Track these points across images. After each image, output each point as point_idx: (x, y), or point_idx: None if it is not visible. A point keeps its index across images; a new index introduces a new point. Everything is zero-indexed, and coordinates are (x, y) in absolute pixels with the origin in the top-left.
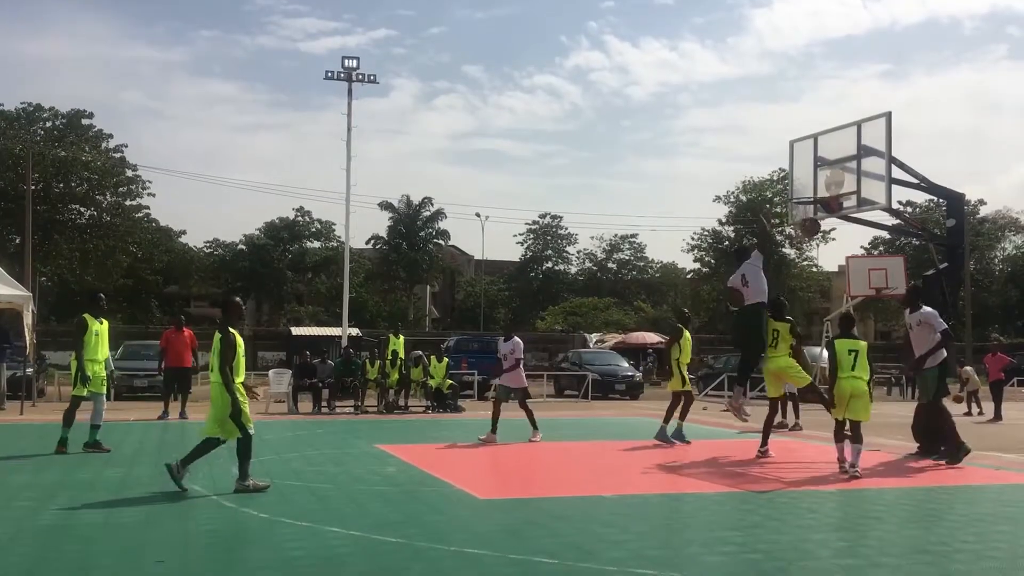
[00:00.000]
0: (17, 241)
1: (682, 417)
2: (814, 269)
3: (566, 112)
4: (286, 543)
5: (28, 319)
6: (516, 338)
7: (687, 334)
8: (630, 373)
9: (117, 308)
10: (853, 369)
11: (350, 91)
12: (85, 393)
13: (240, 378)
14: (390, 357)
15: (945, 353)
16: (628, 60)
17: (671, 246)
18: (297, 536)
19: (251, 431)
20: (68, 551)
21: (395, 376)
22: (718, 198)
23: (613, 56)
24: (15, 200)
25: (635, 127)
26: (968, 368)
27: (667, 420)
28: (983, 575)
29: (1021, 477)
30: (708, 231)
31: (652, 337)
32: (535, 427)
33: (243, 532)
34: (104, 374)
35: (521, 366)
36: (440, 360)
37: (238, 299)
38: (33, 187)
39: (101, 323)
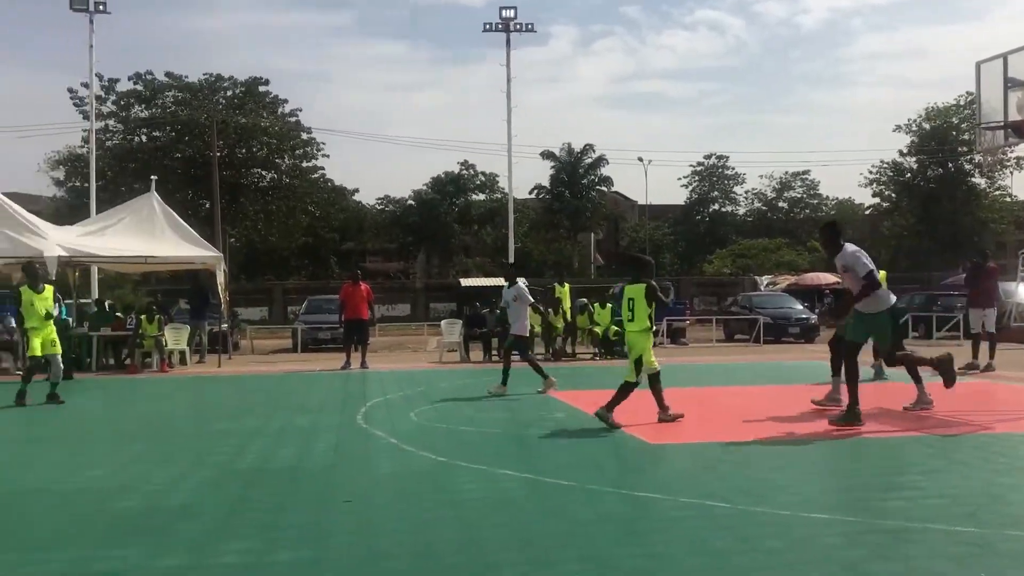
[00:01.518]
0: (207, 205)
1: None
2: (1007, 199)
3: (729, 48)
4: (462, 485)
5: (221, 278)
6: (520, 283)
7: None
8: (804, 315)
9: (299, 266)
10: None
11: (508, 41)
12: (40, 355)
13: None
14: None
15: (882, 295)
16: None
17: (846, 181)
18: (472, 478)
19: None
20: (266, 492)
21: (560, 324)
22: (898, 127)
23: None
24: (203, 167)
25: (804, 57)
26: None
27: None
28: None
29: None
30: (888, 163)
31: (828, 277)
32: (504, 381)
33: (421, 474)
34: (55, 336)
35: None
36: (604, 307)
37: (649, 257)
38: (218, 153)
39: (40, 291)
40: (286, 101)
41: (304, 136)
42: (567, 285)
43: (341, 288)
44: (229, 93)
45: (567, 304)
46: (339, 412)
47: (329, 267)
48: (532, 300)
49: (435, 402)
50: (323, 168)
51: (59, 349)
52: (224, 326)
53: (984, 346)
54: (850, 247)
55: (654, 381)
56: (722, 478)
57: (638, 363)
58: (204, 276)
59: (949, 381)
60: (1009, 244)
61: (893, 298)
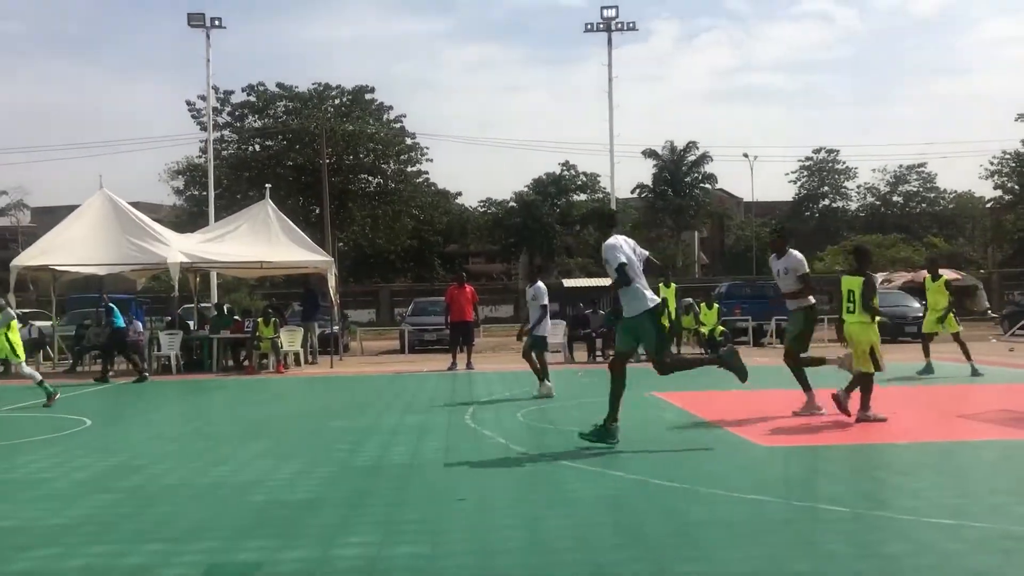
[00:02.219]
0: (317, 211)
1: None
2: None
3: (839, 38)
4: (572, 484)
5: (332, 281)
6: (540, 284)
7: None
8: (921, 314)
9: (404, 268)
10: None
11: (610, 41)
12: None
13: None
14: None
15: (640, 296)
16: None
17: (966, 174)
18: (582, 479)
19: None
20: (383, 488)
21: (665, 324)
22: (1021, 116)
23: None
24: (312, 174)
25: (919, 45)
26: None
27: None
28: None
29: None
30: (1010, 154)
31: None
32: (542, 379)
33: (531, 474)
34: (7, 346)
35: (545, 314)
36: (710, 307)
37: (869, 247)
38: (327, 160)
39: None
40: (391, 108)
41: (408, 141)
42: (673, 285)
43: (447, 291)
44: (337, 101)
45: (672, 305)
46: (448, 412)
47: (433, 269)
48: (545, 302)
49: (540, 404)
50: (427, 172)
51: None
52: (335, 328)
53: None
54: (796, 254)
55: (864, 380)
56: (837, 481)
57: (871, 354)
58: (314, 280)
59: (741, 376)
60: None
61: (651, 299)
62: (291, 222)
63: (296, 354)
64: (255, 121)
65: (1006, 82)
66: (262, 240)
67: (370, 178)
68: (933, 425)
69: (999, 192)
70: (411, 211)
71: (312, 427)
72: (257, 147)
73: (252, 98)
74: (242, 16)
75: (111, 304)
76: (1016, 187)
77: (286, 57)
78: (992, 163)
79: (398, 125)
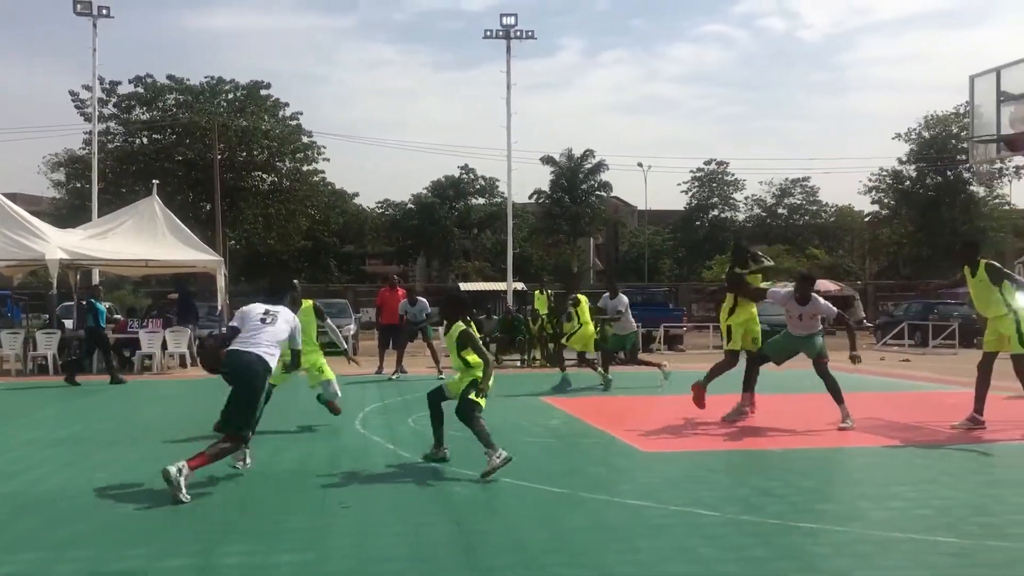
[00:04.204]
0: (207, 208)
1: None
2: (1006, 207)
3: (736, 60)
4: (456, 490)
5: (221, 282)
6: (621, 295)
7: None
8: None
9: (299, 268)
10: None
11: (508, 48)
12: None
13: None
14: (533, 313)
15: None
16: (797, 5)
17: (846, 189)
18: (467, 485)
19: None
20: (267, 495)
21: (536, 331)
22: (898, 135)
23: (782, 1)
24: (203, 170)
25: (806, 66)
26: None
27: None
28: None
29: None
30: (887, 171)
31: (827, 284)
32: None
33: (417, 479)
34: None
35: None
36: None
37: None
38: (219, 156)
39: None
40: (287, 104)
41: (305, 139)
42: (548, 292)
43: (378, 292)
44: (230, 96)
45: (544, 311)
46: (339, 417)
47: (329, 270)
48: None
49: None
50: (323, 172)
51: None
52: (224, 330)
53: None
54: (822, 300)
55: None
56: (712, 487)
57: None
58: (189, 281)
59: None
60: (1008, 252)
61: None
62: (179, 220)
63: (182, 356)
64: (143, 113)
65: (884, 101)
66: (148, 238)
67: (264, 176)
68: (805, 433)
69: (876, 207)
70: (307, 211)
71: (197, 432)
72: (144, 140)
73: (140, 90)
74: (131, 4)
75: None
76: (892, 202)
77: (177, 49)
78: (870, 179)
79: (294, 122)
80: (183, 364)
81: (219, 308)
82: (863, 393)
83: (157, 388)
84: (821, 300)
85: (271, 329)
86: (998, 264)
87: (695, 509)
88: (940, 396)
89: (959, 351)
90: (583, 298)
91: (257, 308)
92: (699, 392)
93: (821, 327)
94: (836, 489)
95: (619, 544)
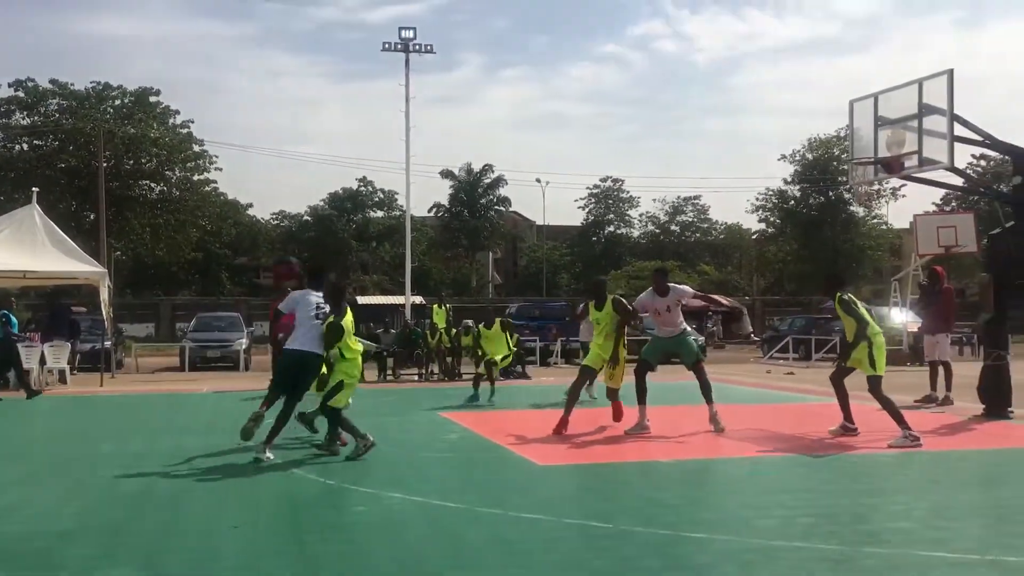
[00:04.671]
0: (92, 218)
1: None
2: (884, 227)
3: (633, 80)
4: (350, 508)
5: (104, 294)
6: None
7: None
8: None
9: (189, 281)
10: None
11: (407, 62)
12: None
13: None
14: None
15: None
16: (690, 28)
17: (735, 207)
18: (361, 501)
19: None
20: (150, 516)
21: (434, 345)
22: (783, 157)
23: (675, 24)
24: (88, 177)
25: (698, 88)
26: None
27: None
28: None
29: None
30: (773, 191)
31: (718, 300)
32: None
33: (310, 498)
34: None
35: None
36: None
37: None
38: (105, 164)
39: None
40: (178, 112)
41: (196, 148)
42: (446, 307)
43: (271, 305)
44: (118, 102)
45: (442, 325)
46: (229, 433)
47: (221, 282)
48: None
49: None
50: (215, 181)
51: None
52: (108, 343)
53: (941, 377)
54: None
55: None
56: (606, 499)
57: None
58: (70, 294)
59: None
60: (885, 270)
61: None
62: (60, 230)
63: (61, 372)
64: (23, 119)
65: (771, 123)
66: (26, 248)
67: (152, 185)
68: (694, 443)
69: (763, 225)
70: (197, 221)
71: (76, 451)
72: (25, 147)
73: (20, 94)
74: (12, 6)
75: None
76: (777, 221)
77: (62, 53)
78: (758, 198)
79: (185, 131)
80: (63, 380)
81: (103, 321)
82: (750, 405)
83: (36, 404)
84: (679, 286)
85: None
86: (847, 298)
87: (588, 521)
88: (822, 408)
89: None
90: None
91: (312, 299)
92: (562, 422)
93: (685, 325)
94: (723, 498)
95: (514, 559)
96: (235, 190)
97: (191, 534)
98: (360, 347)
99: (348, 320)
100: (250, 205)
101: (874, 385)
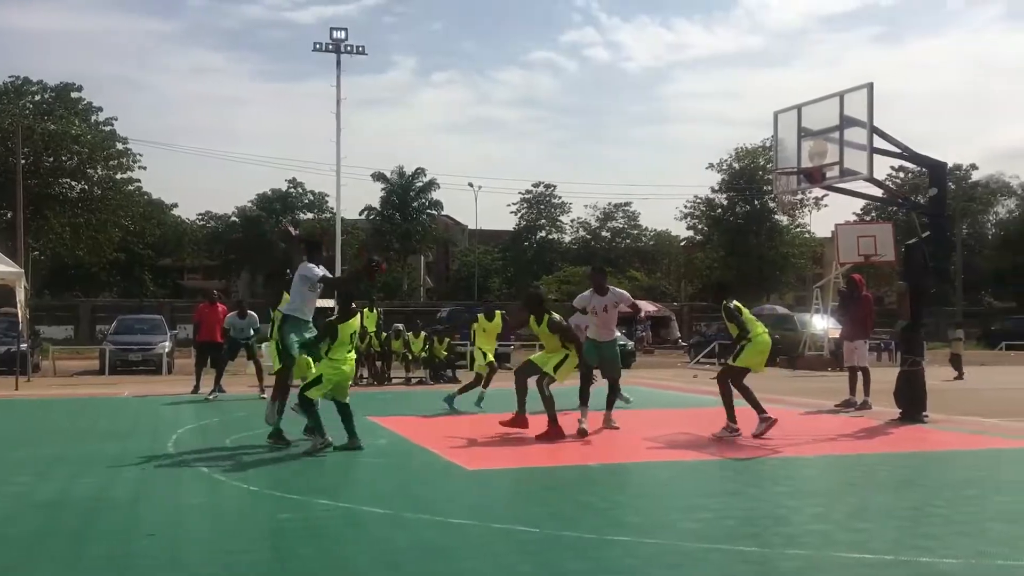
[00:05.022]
0: (9, 216)
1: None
2: (807, 236)
3: (564, 87)
4: (275, 515)
5: (21, 295)
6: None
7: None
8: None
9: (111, 282)
10: None
11: (339, 62)
12: None
13: None
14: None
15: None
16: (621, 37)
17: (665, 214)
18: (286, 508)
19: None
20: (65, 525)
21: (363, 349)
22: (711, 165)
23: (606, 33)
24: (5, 175)
25: (631, 98)
26: (960, 331)
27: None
28: (950, 538)
29: (993, 441)
30: (701, 199)
31: (646, 306)
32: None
33: (232, 505)
34: None
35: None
36: (417, 335)
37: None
38: (23, 161)
39: None
40: (100, 109)
41: (119, 146)
42: (376, 311)
43: (197, 308)
44: (37, 98)
45: (372, 329)
46: (150, 439)
47: (144, 284)
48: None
49: (254, 428)
50: (139, 181)
51: None
52: (23, 346)
53: (860, 382)
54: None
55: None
56: (534, 503)
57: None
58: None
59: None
60: (808, 278)
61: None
62: None
63: None
64: None
65: (700, 132)
66: None
67: (73, 183)
68: (622, 447)
69: (691, 232)
70: (119, 221)
71: None
72: None
73: None
74: None
75: None
76: (705, 228)
77: None
78: (686, 206)
79: (108, 128)
80: None
81: (19, 323)
82: (676, 409)
83: None
84: (618, 290)
85: None
86: (733, 306)
87: (516, 526)
88: (745, 412)
89: (764, 370)
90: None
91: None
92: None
93: (617, 333)
94: (649, 502)
95: (442, 564)
96: (159, 190)
97: (106, 543)
98: (352, 356)
99: (350, 325)
100: (175, 205)
101: (726, 373)
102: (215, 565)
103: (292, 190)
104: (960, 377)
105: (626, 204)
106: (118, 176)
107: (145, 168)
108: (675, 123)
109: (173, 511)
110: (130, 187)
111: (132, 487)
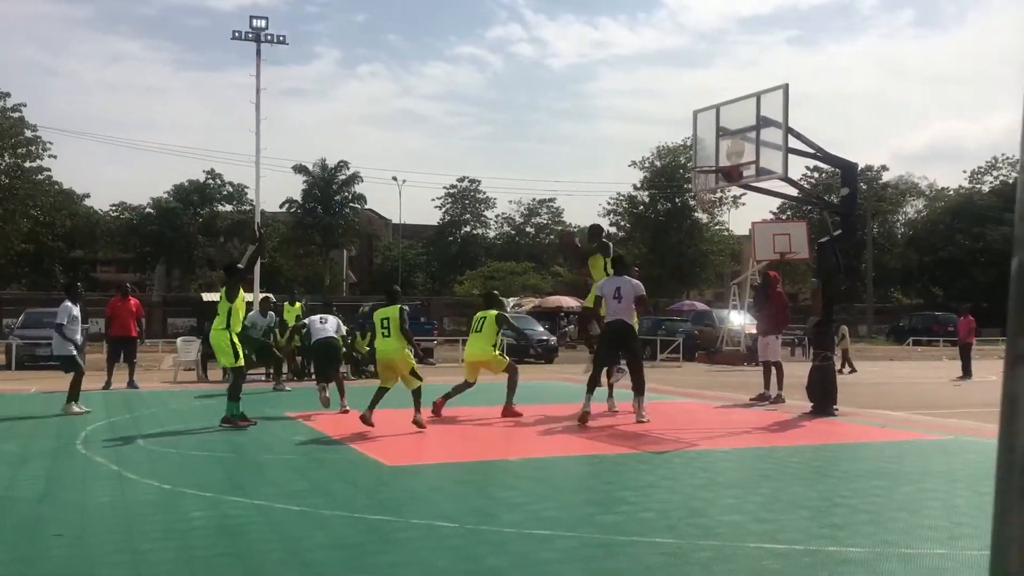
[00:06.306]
0: None
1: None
2: (725, 233)
3: (488, 82)
4: (187, 513)
5: None
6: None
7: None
8: (545, 337)
9: (18, 274)
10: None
11: (259, 52)
12: None
13: None
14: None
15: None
16: (546, 34)
17: (589, 210)
18: (199, 506)
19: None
20: None
21: (283, 343)
22: (633, 163)
23: (531, 29)
24: None
25: (556, 95)
26: (844, 327)
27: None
28: (856, 527)
29: (900, 434)
30: (624, 196)
31: (569, 301)
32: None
33: (143, 503)
34: None
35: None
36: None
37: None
38: None
39: None
40: (8, 95)
41: (28, 133)
42: (298, 304)
43: (108, 302)
44: None
45: (292, 323)
46: (55, 437)
47: (53, 276)
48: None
49: (166, 425)
50: (49, 170)
51: None
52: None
53: (773, 377)
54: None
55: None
56: (453, 498)
57: (413, 371)
58: None
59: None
60: (726, 275)
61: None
62: None
63: None
64: None
65: (623, 130)
66: None
67: None
68: (541, 442)
69: (614, 229)
70: (28, 211)
71: None
72: None
73: None
74: None
75: None
76: (628, 225)
77: None
78: (609, 203)
79: (16, 115)
80: None
81: None
82: (596, 403)
83: None
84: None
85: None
86: (502, 315)
87: (435, 521)
88: (663, 406)
89: (683, 364)
90: None
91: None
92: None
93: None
94: (568, 495)
95: (358, 561)
96: (71, 179)
97: (9, 544)
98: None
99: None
100: (87, 195)
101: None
102: (124, 565)
103: (210, 181)
104: (853, 371)
105: (550, 200)
106: (27, 164)
107: (55, 157)
108: (599, 120)
109: (80, 510)
110: (40, 176)
111: (36, 487)
